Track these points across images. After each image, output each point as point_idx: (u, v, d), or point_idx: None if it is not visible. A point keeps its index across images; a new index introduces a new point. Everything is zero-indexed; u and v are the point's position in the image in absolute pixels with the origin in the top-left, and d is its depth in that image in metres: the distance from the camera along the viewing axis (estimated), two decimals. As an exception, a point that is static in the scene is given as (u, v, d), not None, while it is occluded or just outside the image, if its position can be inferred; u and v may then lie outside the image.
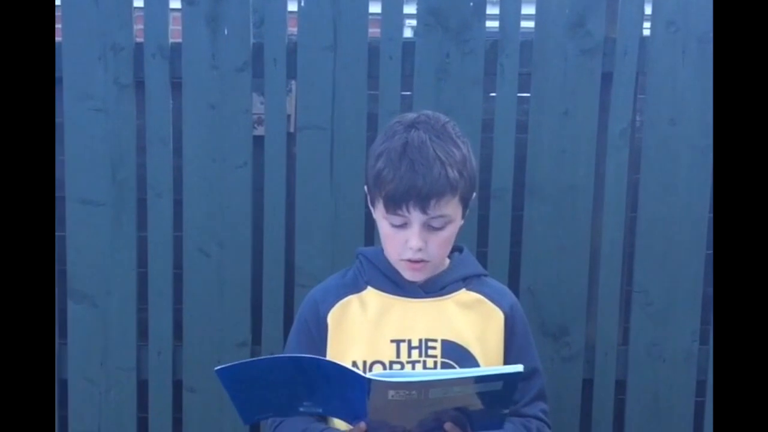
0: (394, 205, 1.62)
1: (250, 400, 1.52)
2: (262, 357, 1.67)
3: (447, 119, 1.71)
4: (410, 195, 1.60)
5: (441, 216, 1.63)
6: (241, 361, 1.48)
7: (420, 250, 1.65)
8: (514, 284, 2.46)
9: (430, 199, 1.60)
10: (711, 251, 2.49)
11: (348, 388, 1.45)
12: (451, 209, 1.65)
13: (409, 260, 1.67)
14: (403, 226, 1.65)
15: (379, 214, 1.69)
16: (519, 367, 1.44)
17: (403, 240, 1.65)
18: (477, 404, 1.48)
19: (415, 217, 1.62)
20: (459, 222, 1.70)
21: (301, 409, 1.53)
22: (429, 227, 1.64)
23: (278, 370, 1.48)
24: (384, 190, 1.62)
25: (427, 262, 1.68)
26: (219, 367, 1.46)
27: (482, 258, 2.43)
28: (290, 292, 2.55)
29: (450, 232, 1.68)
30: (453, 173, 1.62)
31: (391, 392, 1.42)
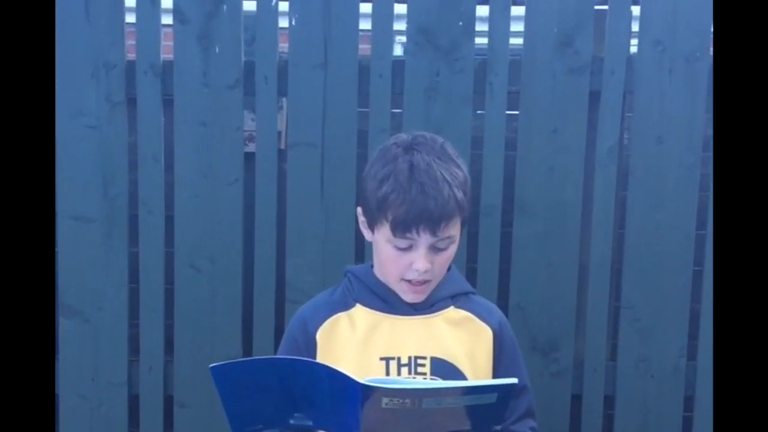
0: (403, 228, 1.61)
1: (241, 404, 1.52)
2: (257, 357, 1.68)
3: (442, 140, 1.71)
4: (422, 218, 1.59)
5: (448, 237, 1.64)
6: (236, 360, 1.49)
7: (426, 271, 1.65)
8: (503, 300, 2.48)
9: (440, 221, 1.60)
10: (698, 267, 2.52)
11: (341, 395, 1.44)
12: (456, 229, 1.65)
13: (412, 282, 1.67)
14: (409, 248, 1.64)
15: (381, 237, 1.66)
16: (513, 380, 1.46)
17: (408, 262, 1.65)
18: (469, 419, 1.49)
19: (424, 239, 1.62)
20: (459, 240, 1.70)
21: (292, 421, 1.53)
22: (434, 248, 1.64)
23: (273, 372, 1.48)
24: (392, 214, 1.61)
25: (430, 282, 1.69)
26: (214, 365, 1.46)
27: (472, 274, 2.45)
28: (281, 308, 2.56)
29: (452, 251, 1.68)
30: (460, 194, 1.62)
31: (385, 400, 1.42)
